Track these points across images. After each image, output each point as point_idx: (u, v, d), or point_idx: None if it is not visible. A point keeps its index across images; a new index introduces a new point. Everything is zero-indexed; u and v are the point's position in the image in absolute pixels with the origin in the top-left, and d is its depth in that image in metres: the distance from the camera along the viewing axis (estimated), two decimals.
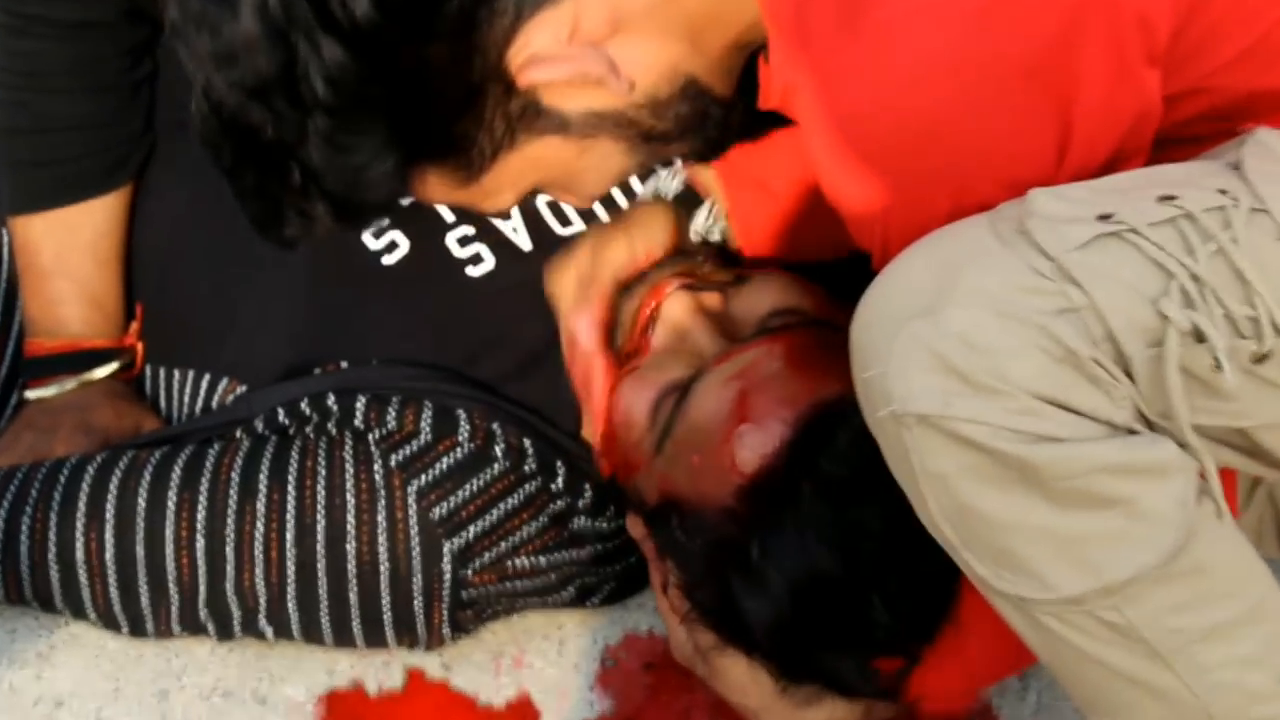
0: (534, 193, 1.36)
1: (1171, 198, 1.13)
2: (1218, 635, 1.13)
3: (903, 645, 1.31)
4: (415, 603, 1.44)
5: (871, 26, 1.15)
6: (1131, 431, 1.10)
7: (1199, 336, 1.10)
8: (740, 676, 1.36)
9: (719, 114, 1.32)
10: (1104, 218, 1.12)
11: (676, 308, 1.40)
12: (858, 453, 1.22)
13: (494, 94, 1.24)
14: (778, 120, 1.34)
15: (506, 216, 1.54)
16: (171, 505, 1.45)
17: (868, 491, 1.25)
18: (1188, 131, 1.23)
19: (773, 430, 1.30)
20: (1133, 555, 1.10)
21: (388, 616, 1.44)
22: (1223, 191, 1.13)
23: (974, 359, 1.08)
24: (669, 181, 1.51)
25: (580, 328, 1.43)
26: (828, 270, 1.45)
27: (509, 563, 1.45)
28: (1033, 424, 1.08)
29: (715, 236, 1.50)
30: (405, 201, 1.53)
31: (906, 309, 1.11)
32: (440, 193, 1.31)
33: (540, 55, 1.22)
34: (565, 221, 1.54)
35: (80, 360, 1.60)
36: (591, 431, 1.45)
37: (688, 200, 1.49)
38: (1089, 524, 1.10)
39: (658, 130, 1.29)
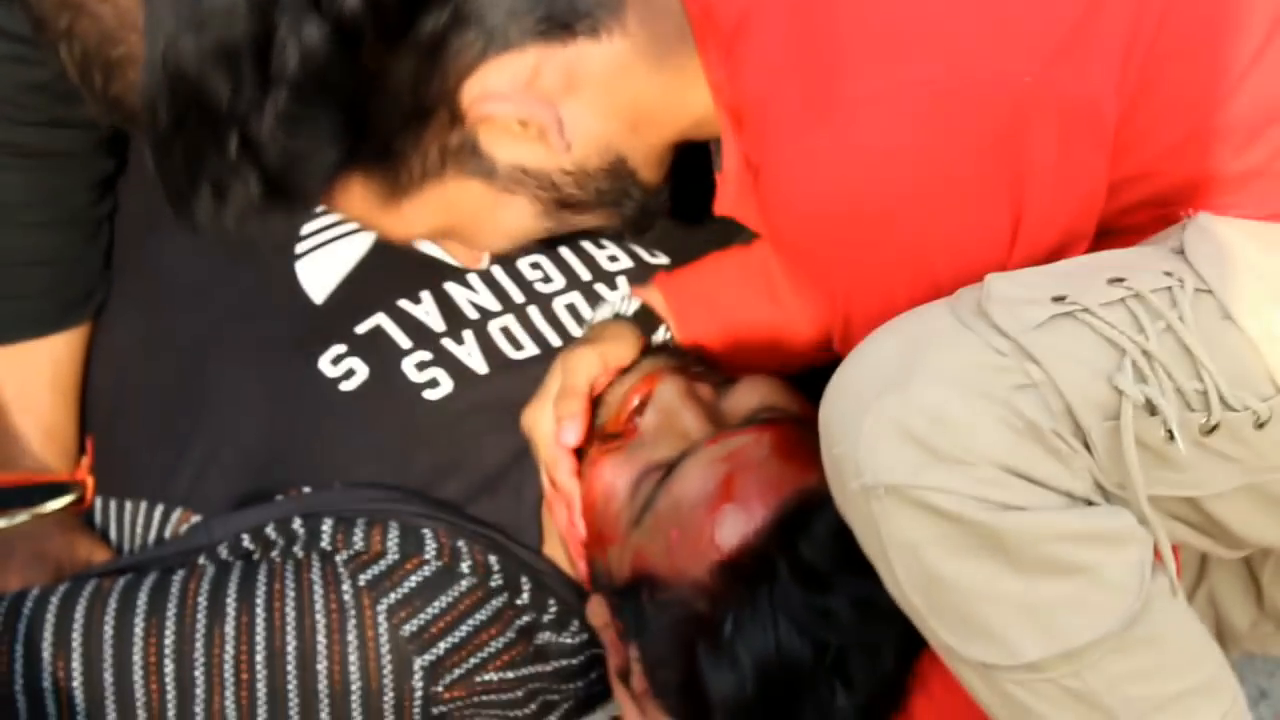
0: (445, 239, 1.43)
1: (1120, 280, 1.20)
2: (1175, 705, 1.18)
3: None
4: (389, 717, 1.45)
5: (837, 110, 1.21)
6: (1090, 502, 1.16)
7: (1152, 409, 1.16)
8: None
9: (638, 197, 1.38)
10: (1058, 299, 1.18)
11: (670, 391, 1.45)
12: (836, 541, 1.27)
13: (439, 119, 1.30)
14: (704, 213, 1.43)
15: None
16: (139, 630, 1.45)
17: (842, 580, 1.30)
18: (1130, 220, 1.31)
19: (755, 512, 1.34)
20: (1092, 621, 1.15)
21: None
22: (1168, 274, 1.20)
23: (940, 432, 1.14)
24: (625, 303, 1.57)
25: (567, 435, 1.46)
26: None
27: (478, 677, 1.47)
28: (998, 493, 1.14)
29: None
30: (361, 330, 1.58)
31: (874, 387, 1.16)
32: (358, 206, 1.36)
33: (494, 92, 1.29)
34: (518, 346, 1.59)
35: (34, 493, 1.61)
36: (555, 546, 1.49)
37: (644, 320, 1.55)
38: (1051, 590, 1.15)
39: (575, 199, 1.36)
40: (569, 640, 1.50)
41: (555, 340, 1.59)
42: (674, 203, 1.48)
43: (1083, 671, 1.16)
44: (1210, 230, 1.24)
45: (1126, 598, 1.15)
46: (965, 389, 1.15)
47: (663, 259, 1.71)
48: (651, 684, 1.39)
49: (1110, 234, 1.31)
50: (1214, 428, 1.17)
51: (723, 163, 1.37)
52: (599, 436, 1.46)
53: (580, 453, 1.47)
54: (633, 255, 1.70)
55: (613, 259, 1.69)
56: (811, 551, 1.31)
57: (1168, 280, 1.20)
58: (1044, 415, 1.14)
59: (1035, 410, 1.14)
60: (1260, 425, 1.17)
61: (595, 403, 1.48)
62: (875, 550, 1.18)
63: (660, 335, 1.55)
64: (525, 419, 1.50)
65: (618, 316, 1.55)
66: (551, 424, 1.48)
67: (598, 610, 1.44)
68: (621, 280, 1.67)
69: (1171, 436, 1.16)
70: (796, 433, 1.40)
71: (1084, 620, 1.15)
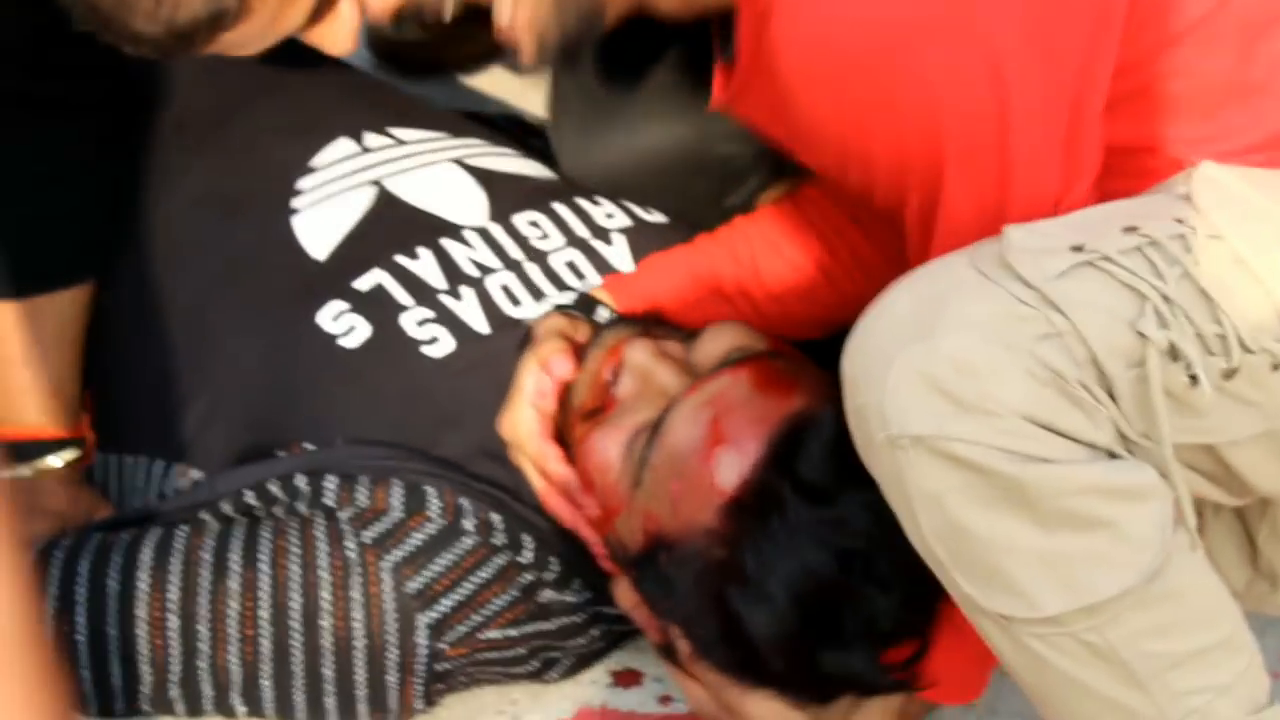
0: None
1: (1134, 228, 1.22)
2: (1192, 662, 1.20)
3: (905, 629, 1.36)
4: (390, 677, 1.47)
5: None
6: (1113, 454, 1.18)
7: (1174, 355, 1.18)
8: (771, 714, 1.39)
9: (584, 20, 1.36)
10: (1076, 249, 1.20)
11: (640, 354, 1.45)
12: (833, 456, 1.30)
13: None
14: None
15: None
16: (143, 586, 1.46)
17: (847, 489, 1.31)
18: (1134, 164, 1.33)
19: (749, 447, 1.35)
20: (1113, 576, 1.17)
21: (362, 691, 1.47)
22: (1179, 220, 1.23)
23: (965, 383, 1.15)
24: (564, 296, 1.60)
25: (558, 367, 1.48)
26: None
27: (481, 635, 1.48)
28: (1022, 444, 1.15)
29: None
30: (361, 287, 1.59)
31: (898, 338, 1.18)
32: None
33: None
34: (517, 303, 1.60)
35: (37, 448, 1.62)
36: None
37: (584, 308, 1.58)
38: (1073, 544, 1.17)
39: None
40: (571, 598, 1.52)
41: (556, 296, 1.60)
42: None
43: (1102, 626, 1.18)
44: (1216, 178, 1.26)
45: (1148, 553, 1.17)
46: (990, 339, 1.16)
47: (659, 216, 1.72)
48: (694, 645, 1.40)
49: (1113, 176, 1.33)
50: (1234, 371, 1.19)
51: (735, 36, 1.37)
52: (580, 417, 1.47)
53: (564, 446, 1.48)
54: (629, 213, 1.71)
55: (609, 216, 1.70)
56: (812, 470, 1.32)
57: (1180, 227, 1.22)
58: (1069, 365, 1.16)
59: (1060, 360, 1.16)
60: (1277, 367, 1.20)
61: (565, 390, 1.48)
62: (899, 499, 1.19)
63: (603, 315, 1.56)
64: (503, 426, 1.50)
65: (558, 307, 1.57)
66: (531, 421, 1.48)
67: (625, 592, 1.45)
68: (618, 237, 1.67)
69: (1195, 381, 1.18)
70: (770, 365, 1.41)
71: (1105, 575, 1.17)
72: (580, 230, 1.67)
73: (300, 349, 1.58)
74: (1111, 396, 1.17)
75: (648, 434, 1.41)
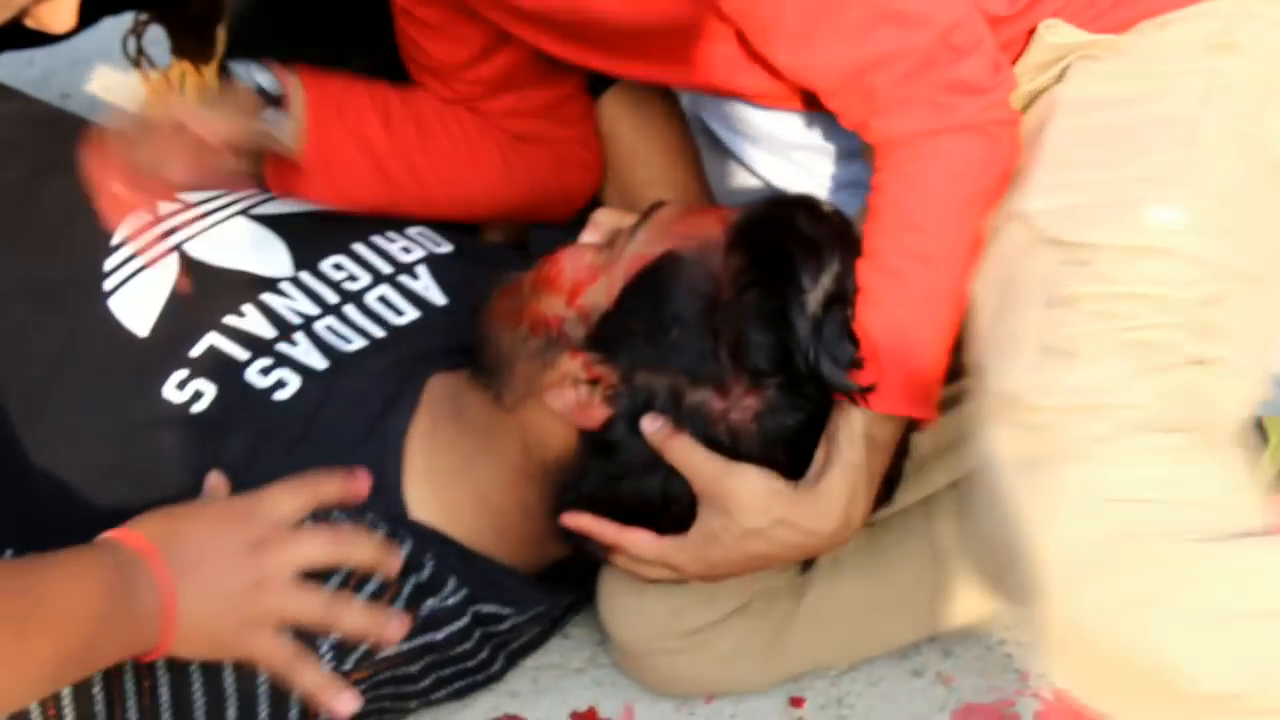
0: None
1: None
2: None
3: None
4: (293, 712, 1.49)
5: None
6: None
7: None
8: (759, 488, 1.47)
9: None
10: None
11: (606, 213, 1.59)
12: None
13: None
14: None
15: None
16: None
17: None
18: None
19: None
20: None
21: None
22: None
23: None
24: (263, 75, 1.69)
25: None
26: None
27: (378, 653, 1.51)
28: None
29: (276, 137, 1.69)
30: (195, 353, 1.62)
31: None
32: None
33: None
34: (346, 340, 1.66)
35: None
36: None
37: (272, 98, 1.68)
38: None
39: None
40: (449, 602, 1.55)
41: (377, 332, 1.67)
42: None
43: None
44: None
45: None
46: None
47: (447, 247, 1.80)
48: (676, 386, 1.49)
49: None
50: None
51: None
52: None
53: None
54: (422, 245, 1.79)
55: (406, 250, 1.77)
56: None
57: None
58: None
59: None
60: None
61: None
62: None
63: (275, 118, 1.68)
64: None
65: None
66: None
67: (565, 391, 1.53)
68: (421, 269, 1.75)
69: None
70: None
71: None
72: (385, 268, 1.74)
73: (152, 425, 1.59)
74: None
75: (630, 228, 1.53)
